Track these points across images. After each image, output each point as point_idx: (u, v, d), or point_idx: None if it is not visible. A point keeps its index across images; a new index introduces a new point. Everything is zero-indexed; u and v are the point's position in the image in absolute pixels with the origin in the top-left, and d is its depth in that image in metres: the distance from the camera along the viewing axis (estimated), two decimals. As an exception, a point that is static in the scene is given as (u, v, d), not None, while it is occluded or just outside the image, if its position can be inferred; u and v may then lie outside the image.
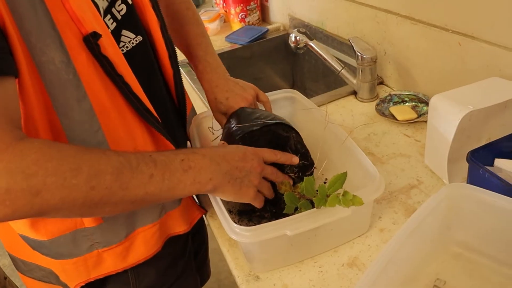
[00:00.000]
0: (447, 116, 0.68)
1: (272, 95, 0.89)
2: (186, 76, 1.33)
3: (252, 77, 1.57)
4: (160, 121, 0.64)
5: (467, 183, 0.68)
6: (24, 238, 0.63)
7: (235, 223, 0.70)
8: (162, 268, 0.74)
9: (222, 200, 0.62)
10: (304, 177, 0.60)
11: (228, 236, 0.71)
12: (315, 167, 0.70)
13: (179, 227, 0.73)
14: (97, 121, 0.55)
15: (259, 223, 0.71)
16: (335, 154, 0.74)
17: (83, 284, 0.66)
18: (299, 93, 0.87)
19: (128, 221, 0.64)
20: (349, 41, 1.02)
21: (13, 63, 0.46)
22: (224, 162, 0.58)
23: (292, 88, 1.67)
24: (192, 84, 1.27)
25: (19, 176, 0.42)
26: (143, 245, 0.67)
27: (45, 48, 0.48)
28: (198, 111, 1.13)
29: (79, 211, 0.48)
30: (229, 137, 0.71)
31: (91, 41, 0.51)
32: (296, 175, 0.67)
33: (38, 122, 0.51)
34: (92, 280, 0.66)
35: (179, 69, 0.73)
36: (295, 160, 0.66)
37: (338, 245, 0.67)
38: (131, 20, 0.63)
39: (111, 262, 0.66)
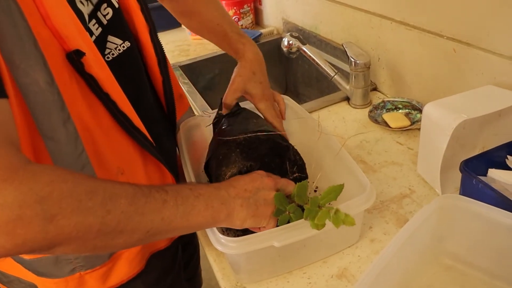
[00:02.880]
0: (440, 124, 0.67)
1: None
2: (178, 79, 1.31)
3: (245, 81, 1.55)
4: (149, 138, 0.61)
5: (460, 193, 0.67)
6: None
7: (223, 232, 0.68)
8: (150, 283, 0.71)
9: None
10: (298, 184, 0.57)
11: (215, 246, 0.69)
12: (308, 182, 0.68)
13: (160, 242, 0.71)
14: (81, 143, 0.51)
15: (247, 233, 0.69)
16: (326, 162, 0.72)
17: None
18: (291, 99, 0.85)
19: None
20: (343, 46, 1.01)
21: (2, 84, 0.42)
22: (230, 188, 0.56)
23: (285, 93, 1.66)
24: (183, 87, 1.25)
25: (32, 199, 0.37)
26: (126, 264, 0.65)
27: (29, 69, 0.45)
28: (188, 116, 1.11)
29: (94, 241, 0.43)
30: (224, 142, 0.68)
31: (75, 58, 0.48)
32: None
33: (25, 145, 0.47)
34: None
35: (169, 76, 0.71)
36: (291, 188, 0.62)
37: (328, 256, 0.65)
38: (118, 25, 0.61)
39: (93, 284, 0.63)
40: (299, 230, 0.55)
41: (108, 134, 0.55)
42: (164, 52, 0.69)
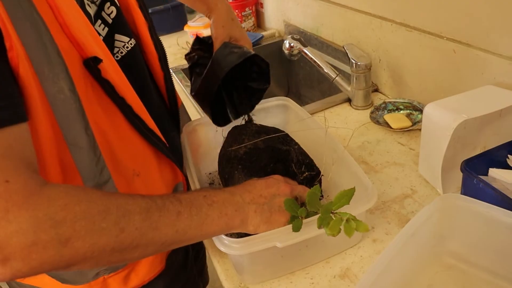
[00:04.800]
0: (441, 125, 0.67)
1: (265, 103, 0.87)
2: (179, 82, 1.32)
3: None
4: (163, 139, 0.62)
5: (461, 193, 0.67)
6: None
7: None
8: (168, 281, 0.73)
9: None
10: (310, 191, 0.57)
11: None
12: (322, 175, 0.68)
13: None
14: (98, 148, 0.52)
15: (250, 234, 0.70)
16: (328, 163, 0.72)
17: None
18: (292, 101, 0.86)
19: None
20: (344, 48, 1.01)
21: (24, 107, 0.43)
22: (245, 193, 0.56)
23: (287, 94, 1.67)
24: (185, 90, 1.26)
25: (47, 224, 0.38)
26: (147, 265, 0.66)
27: (56, 78, 0.46)
28: (192, 118, 1.12)
29: (109, 258, 0.44)
30: (227, 161, 0.69)
31: (92, 65, 0.50)
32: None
33: (47, 158, 0.48)
34: None
35: (170, 71, 0.72)
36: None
37: (330, 256, 0.65)
38: (122, 23, 0.61)
39: (115, 287, 0.64)
40: (301, 231, 0.56)
41: (123, 138, 0.56)
42: (163, 48, 0.70)
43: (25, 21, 0.43)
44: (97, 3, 0.57)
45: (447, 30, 0.83)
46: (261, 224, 0.55)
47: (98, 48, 0.51)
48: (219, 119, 0.74)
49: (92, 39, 0.50)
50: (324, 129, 0.70)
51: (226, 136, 0.74)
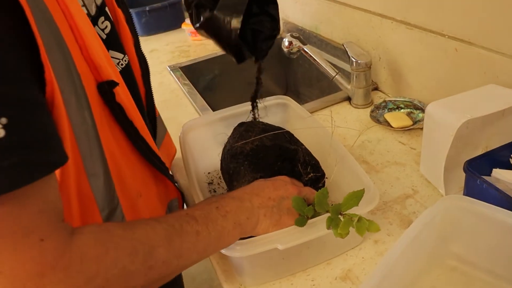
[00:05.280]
0: (443, 124, 0.66)
1: (264, 102, 0.86)
2: (177, 80, 1.31)
3: (245, 81, 1.54)
4: (162, 160, 0.63)
5: (464, 193, 0.67)
6: None
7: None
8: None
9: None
10: (320, 189, 0.57)
11: (218, 248, 0.69)
12: (326, 177, 0.67)
13: None
14: (110, 173, 0.51)
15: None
16: (329, 163, 0.71)
17: None
18: (292, 100, 0.85)
19: None
20: (343, 46, 1.00)
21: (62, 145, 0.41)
22: (254, 197, 0.56)
23: (285, 93, 1.66)
24: (183, 88, 1.25)
25: (81, 281, 0.38)
26: None
27: (81, 108, 0.45)
28: (189, 117, 1.10)
29: (144, 284, 0.44)
30: (232, 156, 0.68)
31: (106, 89, 0.48)
32: None
33: (71, 192, 0.47)
34: None
35: (151, 88, 0.70)
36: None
37: (331, 258, 0.64)
38: (116, 38, 0.58)
39: None
40: (303, 232, 0.55)
41: (128, 160, 0.56)
42: (147, 64, 0.68)
43: (56, 49, 0.41)
44: (93, 16, 0.53)
45: (448, 28, 0.82)
46: (270, 227, 0.56)
47: (111, 71, 0.49)
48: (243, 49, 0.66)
49: (106, 61, 0.48)
50: (327, 129, 0.69)
51: (231, 132, 0.73)
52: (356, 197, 0.53)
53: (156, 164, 0.61)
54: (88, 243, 0.40)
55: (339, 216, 0.52)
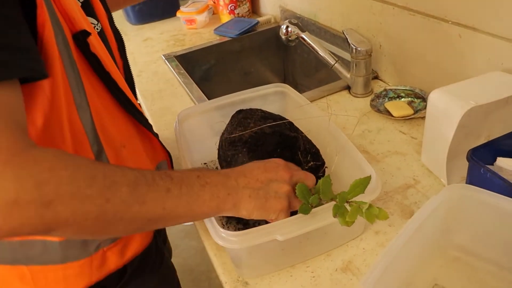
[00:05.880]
0: (447, 112, 0.64)
1: (262, 90, 0.84)
2: (172, 70, 1.28)
3: (242, 71, 1.52)
4: (144, 114, 0.65)
5: (467, 182, 0.65)
6: (24, 247, 0.57)
7: (223, 225, 0.66)
8: (154, 251, 0.75)
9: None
10: (320, 179, 0.55)
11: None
12: (326, 167, 0.65)
13: None
14: (92, 118, 0.54)
15: (248, 226, 0.67)
16: (328, 152, 0.70)
17: None
18: (290, 87, 0.83)
19: None
20: (343, 33, 0.98)
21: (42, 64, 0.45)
22: (241, 177, 0.53)
23: (283, 82, 1.63)
24: (178, 78, 1.22)
25: (30, 183, 0.37)
26: (138, 237, 0.67)
27: (66, 45, 0.50)
28: (184, 106, 1.08)
29: (91, 228, 0.43)
30: (230, 144, 0.66)
31: (81, 39, 0.52)
32: None
33: (64, 120, 0.50)
34: (92, 283, 0.62)
35: (128, 62, 0.72)
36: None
37: (331, 249, 0.63)
38: (90, 7, 0.61)
39: (112, 260, 0.63)
40: (303, 223, 0.53)
41: (110, 111, 0.58)
42: (122, 39, 0.71)
43: None
44: None
45: (452, 14, 0.80)
46: (255, 210, 0.52)
47: (84, 23, 0.52)
48: None
49: (79, 13, 0.52)
50: (326, 116, 0.67)
51: (230, 120, 0.71)
52: (362, 184, 0.51)
53: (138, 118, 0.63)
54: (46, 155, 0.40)
55: (346, 204, 0.51)
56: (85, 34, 0.52)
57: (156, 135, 0.70)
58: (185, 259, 1.87)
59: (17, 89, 0.42)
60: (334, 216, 0.51)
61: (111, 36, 0.66)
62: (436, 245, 0.59)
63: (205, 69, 1.45)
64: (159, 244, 0.80)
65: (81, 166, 0.42)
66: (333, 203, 0.54)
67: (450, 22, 0.80)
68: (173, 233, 1.98)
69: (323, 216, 0.54)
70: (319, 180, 0.55)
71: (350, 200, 0.52)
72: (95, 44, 0.54)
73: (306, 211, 0.52)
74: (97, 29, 0.61)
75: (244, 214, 0.53)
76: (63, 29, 0.49)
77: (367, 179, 0.52)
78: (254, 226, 0.67)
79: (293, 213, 0.61)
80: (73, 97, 0.51)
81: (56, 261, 0.58)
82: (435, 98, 0.67)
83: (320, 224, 0.53)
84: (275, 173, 0.55)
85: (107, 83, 0.56)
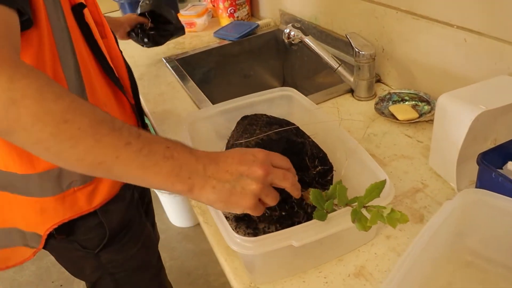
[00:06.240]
0: (457, 116, 0.65)
1: (268, 94, 0.84)
2: (173, 73, 1.27)
3: (241, 74, 1.51)
4: (120, 82, 0.76)
5: (477, 186, 0.65)
6: (9, 178, 0.66)
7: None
8: (123, 209, 0.81)
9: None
10: (328, 183, 0.54)
11: (226, 245, 0.66)
12: (334, 170, 0.65)
13: None
14: (81, 77, 0.65)
15: (257, 230, 0.67)
16: (337, 157, 0.69)
17: (55, 227, 0.71)
18: (297, 91, 0.83)
19: None
20: (347, 37, 0.98)
21: (28, 7, 0.54)
22: (212, 165, 0.51)
23: (282, 85, 1.63)
24: (180, 80, 1.22)
25: (3, 79, 0.42)
26: (107, 186, 0.74)
27: (54, 8, 0.60)
28: (187, 109, 1.08)
29: (45, 142, 0.45)
30: (237, 147, 0.66)
31: (78, 10, 0.64)
32: (317, 181, 0.62)
33: (47, 68, 0.59)
34: (66, 220, 0.71)
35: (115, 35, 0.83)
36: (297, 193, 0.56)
37: (343, 254, 0.63)
38: None
39: (83, 202, 0.72)
40: (318, 229, 0.53)
41: (96, 74, 0.69)
42: (103, 17, 0.79)
43: None
44: None
45: (457, 18, 0.80)
46: (217, 201, 0.51)
47: None
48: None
49: None
50: (336, 121, 0.67)
51: (235, 126, 0.71)
52: (378, 188, 0.51)
53: (117, 84, 0.74)
54: (30, 68, 0.45)
55: (362, 209, 0.51)
56: (82, 6, 0.64)
57: (133, 105, 0.81)
58: (182, 262, 1.86)
59: (14, 18, 0.49)
60: (353, 221, 0.50)
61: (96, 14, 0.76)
62: (450, 249, 0.59)
63: (205, 72, 1.44)
64: (142, 218, 0.90)
65: (54, 85, 0.45)
66: (348, 208, 0.54)
67: (455, 27, 0.81)
68: (170, 235, 1.97)
69: (338, 221, 0.53)
70: (332, 186, 0.55)
71: (366, 205, 0.51)
72: (88, 16, 0.67)
73: (322, 218, 0.52)
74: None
75: (203, 201, 0.51)
76: (61, 3, 0.61)
77: (382, 183, 0.52)
78: (264, 231, 0.67)
79: (308, 218, 0.61)
80: (58, 55, 0.60)
81: (35, 194, 0.68)
82: (443, 102, 0.68)
83: (335, 229, 0.53)
84: (248, 168, 0.51)
85: (94, 50, 0.68)
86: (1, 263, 0.78)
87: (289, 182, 0.53)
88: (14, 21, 0.50)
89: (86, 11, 0.65)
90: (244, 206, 0.51)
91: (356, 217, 0.50)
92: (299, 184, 0.55)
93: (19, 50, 0.50)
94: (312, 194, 0.52)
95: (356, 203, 0.53)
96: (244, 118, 0.72)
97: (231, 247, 0.53)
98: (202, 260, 1.85)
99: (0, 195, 0.70)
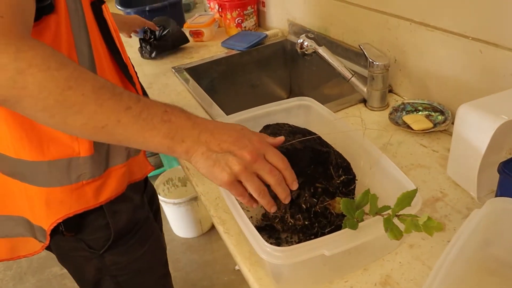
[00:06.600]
0: (478, 126, 0.65)
1: (286, 103, 0.84)
2: (183, 82, 1.28)
3: (249, 83, 1.52)
4: (130, 72, 0.78)
5: (497, 195, 0.66)
6: (18, 164, 0.67)
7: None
8: (130, 210, 0.81)
9: (246, 214, 0.57)
10: (351, 191, 0.54)
11: (248, 254, 0.67)
12: (357, 179, 0.65)
13: (138, 174, 0.83)
14: (95, 69, 0.66)
15: (280, 240, 0.67)
16: (360, 165, 0.70)
17: (60, 221, 0.70)
18: (315, 101, 0.83)
19: (107, 157, 0.72)
20: (360, 47, 0.99)
21: None
22: (206, 134, 0.53)
23: (289, 95, 1.64)
24: (190, 89, 1.22)
25: (11, 50, 0.45)
26: (114, 182, 0.74)
27: (77, 13, 0.63)
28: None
29: (52, 109, 0.48)
30: None
31: (97, 5, 0.67)
32: (341, 191, 0.62)
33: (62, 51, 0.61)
34: (71, 215, 0.70)
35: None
36: (294, 185, 0.58)
37: (368, 263, 0.63)
38: None
39: (90, 197, 0.71)
40: (349, 238, 0.53)
41: (110, 69, 0.72)
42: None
43: None
44: None
45: (472, 30, 0.81)
46: (202, 168, 0.54)
47: None
48: None
49: None
50: (359, 131, 0.68)
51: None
52: (409, 197, 0.51)
53: (126, 75, 0.76)
54: (35, 40, 0.48)
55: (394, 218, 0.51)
56: (101, 1, 0.68)
57: (138, 91, 0.83)
58: (187, 273, 1.84)
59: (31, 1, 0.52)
60: (386, 230, 0.50)
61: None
62: (476, 258, 0.59)
63: (213, 81, 1.45)
64: (151, 220, 0.90)
65: (58, 54, 0.49)
66: (377, 217, 0.54)
67: (470, 38, 0.82)
68: (174, 246, 1.96)
69: (370, 230, 0.53)
70: (361, 195, 0.55)
71: (398, 214, 0.52)
72: (106, 12, 0.70)
73: (354, 227, 0.52)
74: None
75: (192, 163, 0.54)
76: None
77: (414, 192, 0.52)
78: (286, 240, 0.67)
79: (331, 227, 0.61)
80: (74, 43, 0.62)
81: (42, 183, 0.68)
82: (463, 112, 0.68)
83: (366, 238, 0.53)
84: (238, 149, 0.53)
85: (109, 43, 0.70)
86: (11, 252, 0.78)
87: (274, 179, 0.55)
88: (29, 1, 0.52)
89: (105, 6, 0.69)
90: (221, 180, 0.53)
91: (389, 226, 0.50)
92: (288, 189, 0.57)
93: (30, 27, 0.53)
94: (343, 203, 0.53)
95: (386, 212, 0.53)
96: (267, 127, 0.73)
97: (261, 256, 0.53)
98: (207, 271, 1.84)
99: (11, 182, 0.70)
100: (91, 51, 0.66)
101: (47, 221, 0.71)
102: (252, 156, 0.53)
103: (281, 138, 0.61)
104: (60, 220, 0.71)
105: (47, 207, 0.70)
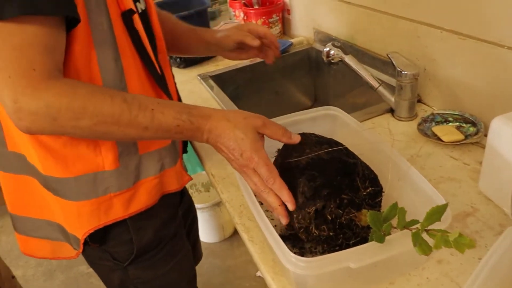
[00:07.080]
0: (514, 139, 0.63)
1: (311, 112, 0.84)
2: (209, 89, 1.29)
3: (272, 91, 1.52)
4: (167, 84, 0.77)
5: (532, 212, 0.63)
6: (49, 180, 0.70)
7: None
8: (157, 226, 0.81)
9: (271, 222, 0.57)
10: (378, 204, 0.53)
11: (272, 263, 0.66)
12: (383, 191, 0.64)
13: (173, 185, 0.81)
14: (125, 80, 0.66)
15: (303, 250, 0.66)
16: (388, 177, 0.68)
17: (92, 232, 0.72)
18: (342, 111, 0.82)
19: (136, 170, 0.73)
20: (388, 56, 0.98)
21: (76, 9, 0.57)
22: (214, 135, 0.63)
23: (313, 104, 1.63)
24: (216, 97, 1.23)
25: (42, 103, 0.54)
26: (145, 194, 0.75)
27: (98, 13, 0.61)
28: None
29: (91, 135, 0.60)
30: (285, 170, 0.65)
31: (127, 16, 0.65)
32: (367, 203, 0.61)
33: (81, 74, 0.62)
34: (101, 226, 0.73)
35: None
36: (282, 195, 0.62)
37: (395, 277, 0.61)
38: None
39: (118, 208, 0.73)
40: (375, 251, 0.52)
41: (141, 79, 0.70)
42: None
43: None
44: None
45: (507, 39, 0.79)
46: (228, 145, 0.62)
47: (131, 4, 0.65)
48: None
49: None
50: (387, 142, 0.66)
51: (283, 144, 0.70)
52: (439, 212, 0.50)
53: (163, 88, 0.74)
54: (60, 84, 0.56)
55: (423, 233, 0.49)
56: (131, 12, 0.65)
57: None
58: (209, 279, 1.84)
59: (61, 28, 0.56)
60: (414, 245, 0.49)
61: (155, 15, 0.77)
62: (510, 278, 0.56)
63: (237, 88, 1.45)
64: (181, 236, 0.89)
65: (78, 96, 0.56)
66: (405, 231, 0.52)
67: (506, 47, 0.79)
68: (196, 251, 1.97)
69: (397, 244, 0.52)
70: (389, 207, 0.54)
71: (427, 228, 0.50)
72: (138, 22, 0.67)
73: (381, 240, 0.51)
74: (142, 8, 0.72)
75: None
76: (108, 8, 0.62)
77: (444, 207, 0.51)
78: (310, 250, 0.66)
79: (356, 239, 0.60)
80: (96, 56, 0.63)
81: (72, 197, 0.70)
82: (498, 125, 0.66)
83: (393, 252, 0.52)
84: (229, 158, 0.63)
85: (142, 54, 0.69)
86: (53, 253, 0.82)
87: (254, 188, 0.62)
88: (59, 32, 0.57)
89: (135, 17, 0.66)
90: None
91: (417, 241, 0.49)
92: (275, 199, 0.61)
93: (60, 62, 0.58)
94: (370, 216, 0.51)
95: (415, 226, 0.51)
96: None
97: (286, 266, 0.52)
98: (228, 276, 1.84)
99: (46, 193, 0.73)
100: (119, 64, 0.65)
101: (80, 231, 0.73)
102: (239, 167, 0.63)
103: (296, 138, 0.67)
104: (92, 231, 0.72)
105: (78, 218, 0.72)
